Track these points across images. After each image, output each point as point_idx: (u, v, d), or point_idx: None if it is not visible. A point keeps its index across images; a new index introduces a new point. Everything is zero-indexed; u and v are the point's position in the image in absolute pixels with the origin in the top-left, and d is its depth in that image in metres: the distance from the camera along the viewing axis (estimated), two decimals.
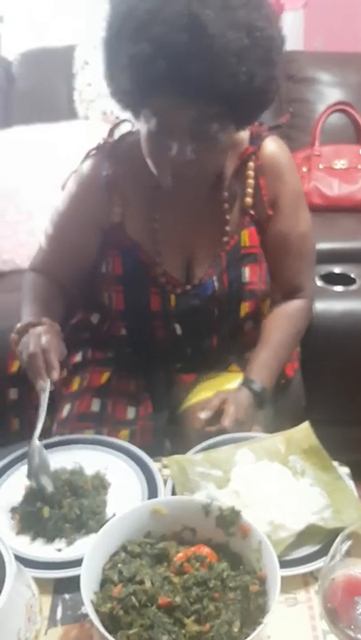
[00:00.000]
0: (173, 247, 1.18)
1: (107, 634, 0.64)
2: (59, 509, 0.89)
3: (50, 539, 0.88)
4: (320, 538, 0.87)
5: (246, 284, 1.20)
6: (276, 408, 1.30)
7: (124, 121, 1.20)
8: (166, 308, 1.19)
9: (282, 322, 1.26)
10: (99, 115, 2.28)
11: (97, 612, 0.68)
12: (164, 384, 1.30)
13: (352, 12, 2.79)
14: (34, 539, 0.88)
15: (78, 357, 1.30)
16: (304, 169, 2.16)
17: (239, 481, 0.94)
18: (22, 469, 1.00)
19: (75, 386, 1.26)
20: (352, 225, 2.09)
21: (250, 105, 1.01)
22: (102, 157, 1.16)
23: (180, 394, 1.29)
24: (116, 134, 1.20)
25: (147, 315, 1.20)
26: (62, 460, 1.00)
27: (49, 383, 1.03)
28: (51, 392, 1.28)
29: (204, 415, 1.11)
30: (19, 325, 1.12)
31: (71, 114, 2.29)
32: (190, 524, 0.80)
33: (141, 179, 1.11)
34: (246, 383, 1.18)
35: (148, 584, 0.70)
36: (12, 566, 0.69)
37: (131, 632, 0.66)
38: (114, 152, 1.16)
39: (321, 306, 1.63)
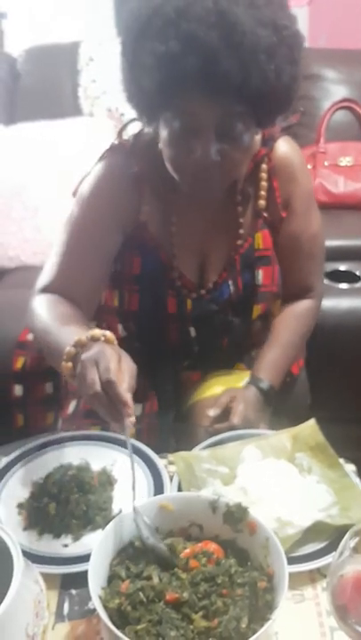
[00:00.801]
0: (188, 250, 1.17)
1: (115, 629, 0.65)
2: (65, 505, 0.89)
3: (57, 534, 0.88)
4: (327, 535, 0.87)
5: (260, 286, 1.20)
6: (281, 405, 1.30)
7: (132, 120, 1.17)
8: (183, 311, 1.18)
9: (291, 321, 1.26)
10: (103, 111, 2.28)
11: (105, 607, 0.68)
12: (170, 382, 1.30)
13: (356, 9, 2.79)
14: (41, 534, 0.89)
15: None
16: (309, 166, 2.16)
17: (246, 478, 0.94)
18: (28, 465, 1.00)
19: None
20: (357, 222, 2.09)
21: (275, 104, 1.00)
22: (125, 155, 1.13)
23: (186, 392, 1.30)
24: (124, 135, 1.18)
25: (163, 317, 1.19)
26: (69, 456, 1.01)
27: (129, 422, 0.80)
28: (57, 389, 1.29)
29: (212, 413, 1.11)
30: (68, 349, 0.89)
31: (76, 110, 2.29)
32: (197, 521, 0.80)
33: (160, 181, 1.10)
34: (254, 381, 1.18)
35: (155, 580, 0.70)
36: (19, 562, 0.69)
37: (139, 627, 0.66)
38: (134, 150, 1.13)
39: (326, 303, 1.62)
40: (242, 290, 1.19)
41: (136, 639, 0.66)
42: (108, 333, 0.90)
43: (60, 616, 0.79)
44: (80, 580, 0.76)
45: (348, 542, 0.66)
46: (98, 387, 0.80)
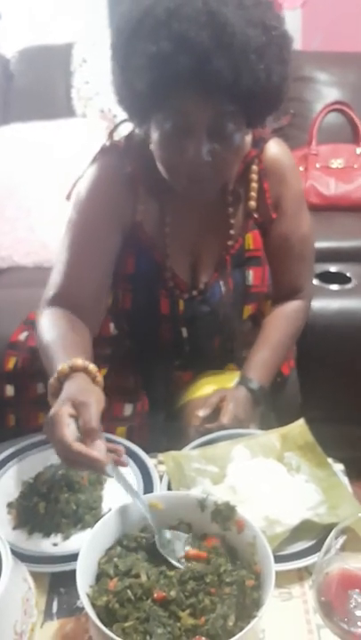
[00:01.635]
0: (181, 250, 1.18)
1: (103, 627, 0.65)
2: (55, 504, 0.90)
3: (46, 533, 0.89)
4: (315, 533, 0.87)
5: (250, 286, 1.20)
6: (272, 406, 1.31)
7: (123, 122, 1.18)
8: (175, 312, 1.19)
9: (281, 322, 1.26)
10: (96, 112, 2.28)
11: (93, 605, 0.69)
12: (161, 381, 1.31)
13: (350, 12, 2.79)
14: (30, 533, 0.89)
15: None
16: (301, 168, 2.17)
17: (235, 477, 0.94)
18: (19, 465, 1.01)
19: None
20: (348, 224, 2.10)
21: (265, 104, 1.01)
22: (118, 156, 1.14)
23: (177, 391, 1.30)
24: (115, 136, 1.19)
25: (155, 317, 1.20)
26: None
27: (110, 467, 0.79)
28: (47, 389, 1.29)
29: (202, 413, 1.12)
30: (61, 367, 0.90)
31: (69, 111, 2.30)
32: (186, 519, 0.80)
33: (152, 181, 1.11)
34: (244, 381, 1.19)
35: (143, 578, 0.71)
36: (8, 560, 0.70)
37: (126, 625, 0.67)
38: (128, 151, 1.14)
39: (317, 304, 1.63)
40: (233, 290, 1.20)
41: (124, 637, 0.66)
42: (91, 366, 0.90)
43: (48, 614, 0.79)
44: (69, 578, 0.76)
45: (333, 540, 0.66)
46: (65, 452, 0.79)
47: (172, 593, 0.69)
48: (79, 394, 0.84)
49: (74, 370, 0.89)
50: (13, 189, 2.02)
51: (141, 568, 0.72)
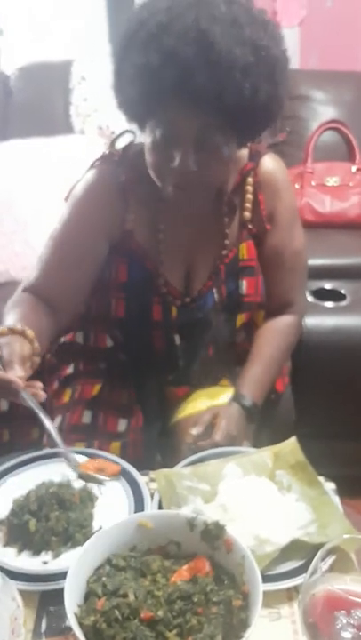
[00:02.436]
0: (175, 258, 1.20)
1: None
2: (46, 522, 0.90)
3: (36, 551, 0.88)
4: (305, 553, 0.87)
5: (243, 296, 1.22)
6: (266, 422, 1.31)
7: (125, 132, 1.22)
8: (168, 318, 1.21)
9: (273, 337, 1.27)
10: (94, 129, 2.31)
11: (80, 624, 0.69)
12: (155, 396, 1.31)
13: (347, 31, 2.83)
14: (20, 551, 0.89)
15: (70, 369, 1.31)
16: (297, 185, 2.19)
17: (226, 495, 0.94)
18: (9, 482, 1.01)
19: (66, 397, 1.26)
20: (343, 241, 2.12)
21: (252, 120, 1.03)
22: (114, 165, 1.17)
23: (171, 406, 1.31)
24: (118, 145, 1.21)
25: (148, 324, 1.21)
26: (51, 472, 1.01)
27: (23, 393, 0.94)
28: (43, 404, 1.29)
29: (195, 431, 1.12)
30: None
31: (67, 128, 2.32)
32: (175, 538, 0.81)
33: (147, 190, 1.13)
34: (237, 398, 1.19)
35: (131, 597, 0.71)
36: None
37: None
38: (123, 161, 1.17)
39: (311, 321, 1.65)
40: (226, 298, 1.21)
41: None
42: (29, 331, 1.01)
43: (37, 633, 0.79)
44: (59, 597, 0.76)
45: (319, 561, 0.67)
46: None
47: (160, 613, 0.69)
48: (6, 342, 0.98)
49: (13, 332, 1.00)
50: (11, 204, 2.04)
51: (129, 588, 0.72)
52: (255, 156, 1.19)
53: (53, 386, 1.28)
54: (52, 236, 1.20)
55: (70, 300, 1.20)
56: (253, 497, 0.94)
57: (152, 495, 0.97)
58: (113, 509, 0.94)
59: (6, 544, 0.90)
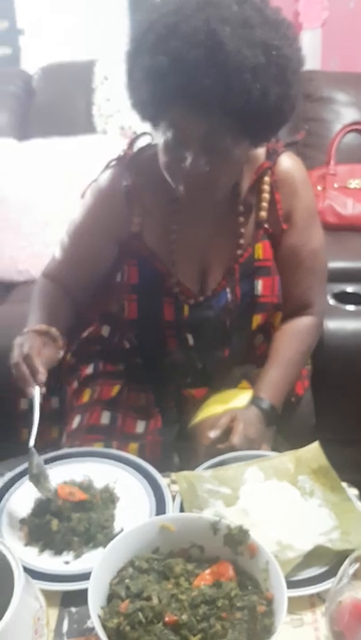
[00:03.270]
0: (188, 258, 1.19)
1: None
2: (67, 522, 0.90)
3: (58, 551, 0.89)
4: (327, 559, 0.87)
5: (259, 296, 1.21)
6: (286, 426, 1.30)
7: (143, 134, 1.22)
8: (180, 318, 1.20)
9: (291, 339, 1.26)
10: (117, 129, 2.30)
11: (104, 626, 0.68)
12: (174, 399, 1.31)
13: None
14: (42, 551, 0.89)
15: (89, 370, 1.30)
16: (319, 187, 2.17)
17: (248, 499, 0.94)
18: None
19: (85, 398, 1.26)
20: None
21: (263, 122, 1.02)
22: (122, 168, 1.18)
23: (190, 409, 1.30)
24: (136, 147, 1.22)
25: (160, 324, 1.21)
26: (71, 472, 1.01)
27: (37, 389, 1.04)
28: (61, 404, 1.30)
29: (213, 434, 1.11)
30: (25, 330, 1.15)
31: (89, 128, 2.32)
32: (198, 542, 0.80)
33: (160, 190, 1.13)
34: (255, 401, 1.18)
35: (155, 600, 0.70)
36: (20, 578, 0.70)
37: None
38: (133, 163, 1.18)
39: (333, 325, 1.63)
40: (240, 299, 1.20)
41: None
42: (54, 330, 1.14)
43: (59, 634, 0.79)
44: (80, 597, 0.76)
45: (347, 568, 0.66)
46: (19, 358, 1.06)
47: (184, 617, 0.68)
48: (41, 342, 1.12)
49: (38, 333, 1.13)
50: (31, 205, 2.04)
51: (153, 591, 0.71)
52: (272, 155, 1.18)
53: (73, 386, 1.28)
54: (68, 230, 1.26)
55: (87, 287, 1.28)
56: (275, 502, 0.93)
57: (173, 497, 0.97)
58: (134, 511, 0.94)
59: (28, 543, 0.90)
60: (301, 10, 2.82)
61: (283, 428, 1.30)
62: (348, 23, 2.85)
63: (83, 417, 1.23)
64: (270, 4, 1.01)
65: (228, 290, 1.20)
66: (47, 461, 1.05)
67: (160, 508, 0.94)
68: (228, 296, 1.20)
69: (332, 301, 1.74)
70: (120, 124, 2.29)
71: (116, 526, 0.92)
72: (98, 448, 1.11)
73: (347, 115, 2.31)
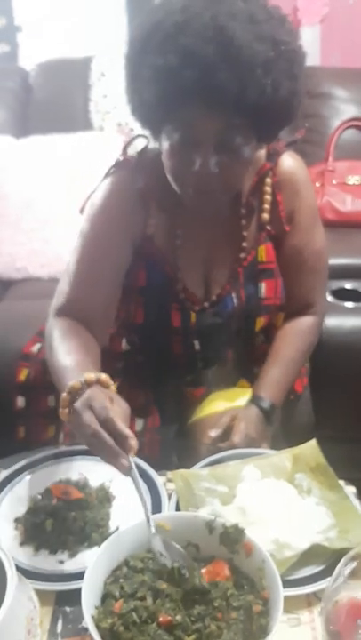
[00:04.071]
0: (193, 263, 1.18)
1: None
2: (63, 521, 0.89)
3: (53, 550, 0.88)
4: (325, 558, 0.86)
5: (263, 299, 1.20)
6: (284, 424, 1.29)
7: (137, 137, 1.19)
8: (187, 324, 1.19)
9: (292, 338, 1.25)
10: (114, 126, 2.30)
11: (97, 627, 0.68)
12: (173, 397, 1.30)
13: None
14: (37, 550, 0.88)
15: None
16: (317, 184, 2.16)
17: (245, 497, 0.93)
18: (27, 479, 1.00)
19: None
20: None
21: (274, 118, 1.01)
22: (132, 170, 1.15)
23: (189, 407, 1.29)
24: (130, 150, 1.20)
25: (167, 330, 1.19)
26: (67, 471, 1.00)
27: (131, 460, 0.81)
28: (59, 402, 1.29)
29: (214, 433, 1.11)
30: (72, 383, 0.89)
31: (87, 124, 2.31)
32: (194, 541, 0.79)
33: (164, 195, 1.11)
34: (255, 400, 1.18)
35: (149, 600, 0.70)
36: (13, 578, 0.69)
37: None
38: (140, 166, 1.15)
39: (331, 322, 1.62)
40: (245, 302, 1.20)
41: None
42: (103, 376, 0.90)
43: (53, 634, 0.78)
44: (75, 597, 0.75)
45: (343, 567, 0.65)
46: (96, 425, 0.80)
47: (178, 617, 0.68)
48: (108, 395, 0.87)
49: (88, 384, 0.88)
50: (30, 201, 2.04)
51: (147, 590, 0.71)
52: (273, 156, 1.17)
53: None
54: (76, 252, 1.15)
55: (105, 313, 1.16)
56: (272, 500, 0.92)
57: (169, 496, 0.96)
58: (130, 509, 0.93)
59: (23, 542, 0.89)
60: (301, 6, 2.80)
61: (283, 425, 1.30)
62: (347, 18, 2.83)
63: None
64: (269, 1, 1.00)
65: (233, 294, 1.19)
66: (43, 460, 1.04)
67: (156, 507, 0.93)
68: (234, 301, 1.19)
69: (330, 298, 1.73)
70: (117, 121, 2.29)
71: (112, 525, 0.91)
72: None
73: (346, 110, 2.31)
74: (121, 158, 1.17)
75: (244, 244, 1.18)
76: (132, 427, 1.19)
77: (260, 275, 1.19)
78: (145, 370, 1.30)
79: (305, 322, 1.27)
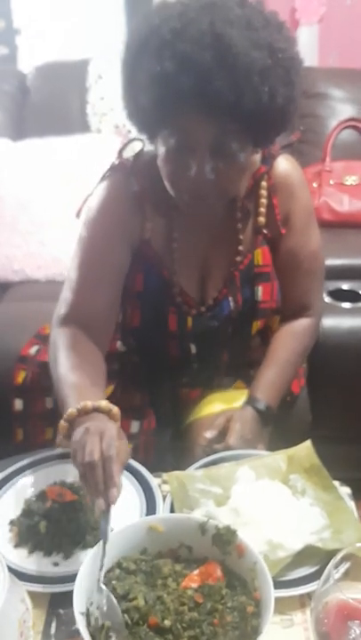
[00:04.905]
0: (189, 266, 1.18)
1: None
2: (57, 523, 0.89)
3: (47, 552, 0.88)
4: (318, 559, 0.86)
5: (259, 302, 1.20)
6: (281, 424, 1.30)
7: (132, 140, 1.20)
8: (183, 328, 1.19)
9: (289, 340, 1.25)
10: (111, 128, 2.30)
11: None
12: (168, 399, 1.30)
13: None
14: (31, 552, 0.88)
15: None
16: (315, 184, 2.16)
17: (239, 499, 0.93)
18: (22, 481, 1.00)
19: None
20: None
21: (270, 124, 1.01)
22: (127, 174, 1.15)
23: (184, 409, 1.30)
24: (125, 154, 1.20)
25: (163, 333, 1.20)
26: (62, 473, 1.01)
27: (108, 506, 0.79)
28: (57, 404, 1.29)
29: (209, 435, 1.11)
30: (70, 410, 0.90)
31: (84, 127, 2.31)
32: (187, 542, 0.80)
33: (160, 198, 1.11)
34: (251, 402, 1.18)
35: (141, 602, 0.70)
36: (5, 580, 0.69)
37: None
38: (135, 170, 1.15)
39: (328, 322, 1.62)
40: (241, 306, 1.20)
41: None
42: (115, 409, 0.92)
43: (47, 635, 0.78)
44: (69, 599, 0.76)
45: (332, 569, 0.65)
46: (96, 456, 0.80)
47: (166, 622, 0.68)
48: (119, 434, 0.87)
49: (84, 413, 0.90)
50: (27, 203, 2.04)
51: (139, 592, 0.71)
52: (268, 159, 1.17)
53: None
54: (76, 259, 1.15)
55: (108, 318, 1.16)
56: (266, 501, 0.93)
57: (164, 497, 0.96)
58: (124, 511, 0.93)
59: (17, 545, 0.90)
60: (298, 6, 2.80)
61: (279, 426, 1.30)
62: (345, 19, 2.83)
63: None
64: (266, 7, 1.00)
65: (230, 298, 1.19)
66: (38, 462, 1.04)
67: (150, 509, 0.94)
68: (231, 304, 1.19)
69: (327, 299, 1.73)
70: (114, 123, 2.29)
71: None
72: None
73: (343, 111, 2.31)
74: (116, 162, 1.17)
75: (241, 248, 1.18)
76: (127, 429, 1.21)
77: (256, 278, 1.19)
78: (141, 371, 1.30)
79: (301, 324, 1.27)
